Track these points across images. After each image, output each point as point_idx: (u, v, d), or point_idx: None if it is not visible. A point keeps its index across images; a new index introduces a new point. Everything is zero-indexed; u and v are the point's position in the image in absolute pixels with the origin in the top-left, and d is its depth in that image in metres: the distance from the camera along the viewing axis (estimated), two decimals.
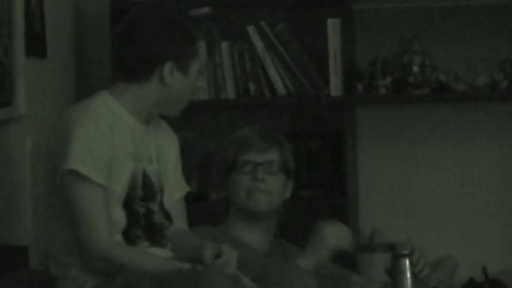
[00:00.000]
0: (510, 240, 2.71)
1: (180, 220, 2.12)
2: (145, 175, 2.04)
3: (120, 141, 2.02)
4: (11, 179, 2.52)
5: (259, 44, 2.66)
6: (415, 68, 2.58)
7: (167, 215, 2.07)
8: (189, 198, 2.14)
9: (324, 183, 2.68)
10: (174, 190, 2.14)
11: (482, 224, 2.76)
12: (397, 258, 2.18)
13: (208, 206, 2.70)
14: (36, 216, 2.51)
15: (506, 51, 2.65)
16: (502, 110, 2.73)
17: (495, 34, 2.70)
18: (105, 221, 2.00)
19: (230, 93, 2.75)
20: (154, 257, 2.04)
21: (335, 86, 2.57)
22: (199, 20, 2.27)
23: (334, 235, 2.18)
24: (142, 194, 2.04)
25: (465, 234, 2.73)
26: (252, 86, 2.71)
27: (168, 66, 1.97)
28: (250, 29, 2.76)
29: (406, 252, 2.13)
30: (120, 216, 1.98)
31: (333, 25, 2.57)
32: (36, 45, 2.67)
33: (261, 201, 2.20)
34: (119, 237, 1.99)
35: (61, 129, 2.00)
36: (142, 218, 2.06)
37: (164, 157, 2.13)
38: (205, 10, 2.54)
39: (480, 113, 2.74)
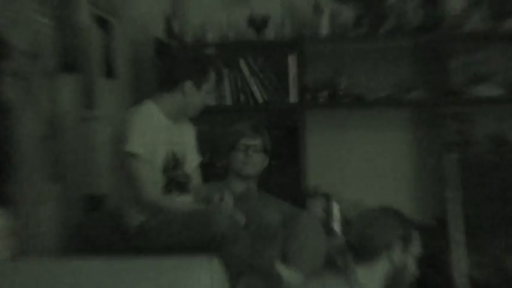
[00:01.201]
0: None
1: (196, 179, 2.64)
2: (173, 153, 2.53)
3: (159, 133, 2.48)
4: (93, 154, 3.15)
5: (246, 71, 3.27)
6: (343, 85, 3.24)
7: (188, 176, 2.58)
8: (203, 166, 2.68)
9: (286, 158, 3.28)
10: (192, 161, 2.62)
11: (393, 186, 3.46)
12: (329, 200, 3.08)
13: (215, 170, 3.11)
14: (112, 176, 2.84)
15: (399, 76, 3.34)
16: (399, 114, 3.43)
17: (393, 63, 3.35)
18: (151, 182, 2.47)
19: (228, 101, 3.28)
20: (182, 202, 2.53)
21: (293, 96, 3.19)
22: (210, 56, 2.86)
23: None
24: (172, 164, 2.54)
25: (379, 192, 3.39)
26: (242, 97, 3.29)
27: (188, 84, 2.45)
28: (241, 62, 3.31)
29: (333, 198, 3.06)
30: (160, 178, 2.46)
31: (292, 59, 3.18)
32: (108, 70, 3.26)
33: (249, 169, 2.82)
34: (159, 191, 2.47)
35: (123, 124, 2.46)
36: (173, 178, 2.56)
37: (185, 141, 2.62)
38: (212, 50, 3.04)
39: (385, 115, 3.44)
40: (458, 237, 2.95)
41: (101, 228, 2.90)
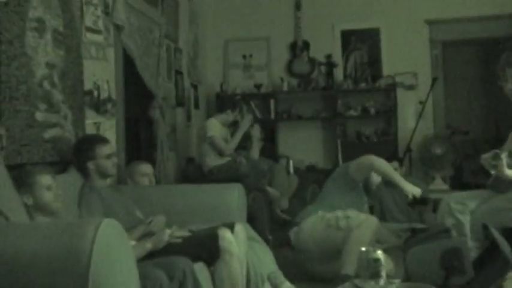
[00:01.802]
0: None
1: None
2: (226, 141, 5.23)
3: (220, 132, 5.14)
4: (190, 140, 6.01)
5: (253, 106, 6.72)
6: (293, 111, 6.93)
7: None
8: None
9: (269, 141, 6.51)
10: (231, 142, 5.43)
11: (316, 152, 6.98)
12: (288, 159, 6.56)
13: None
14: (197, 149, 5.63)
15: (316, 107, 6.85)
16: (315, 123, 6.91)
17: (313, 101, 6.85)
18: (225, 144, 5.06)
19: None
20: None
21: (272, 115, 6.79)
22: (238, 100, 5.70)
23: None
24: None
25: (311, 155, 7.00)
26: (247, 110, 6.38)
27: (228, 111, 5.27)
28: (251, 102, 6.71)
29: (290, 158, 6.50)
30: None
31: (271, 102, 6.71)
32: (196, 105, 6.47)
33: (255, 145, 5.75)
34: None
35: (204, 126, 5.29)
36: None
37: (227, 133, 5.25)
38: (239, 97, 6.07)
39: (310, 124, 6.94)
40: None
41: (192, 172, 5.41)
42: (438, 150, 6.30)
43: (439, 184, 6.29)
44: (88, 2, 3.76)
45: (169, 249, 2.74)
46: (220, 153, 5.06)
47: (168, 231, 2.83)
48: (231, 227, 2.99)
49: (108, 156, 3.20)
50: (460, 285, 2.62)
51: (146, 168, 3.92)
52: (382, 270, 2.21)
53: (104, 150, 3.19)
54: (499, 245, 2.56)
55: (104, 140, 3.31)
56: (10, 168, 2.63)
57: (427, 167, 6.47)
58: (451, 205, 3.30)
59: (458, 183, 6.40)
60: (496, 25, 6.60)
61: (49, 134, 3.21)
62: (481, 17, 6.55)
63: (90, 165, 3.15)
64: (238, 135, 5.23)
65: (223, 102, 6.13)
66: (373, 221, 3.64)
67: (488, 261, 2.63)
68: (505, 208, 3.17)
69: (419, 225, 4.88)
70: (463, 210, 3.23)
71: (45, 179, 2.58)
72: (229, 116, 5.30)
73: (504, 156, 3.07)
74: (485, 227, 2.81)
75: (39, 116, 3.13)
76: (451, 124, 6.96)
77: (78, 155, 3.21)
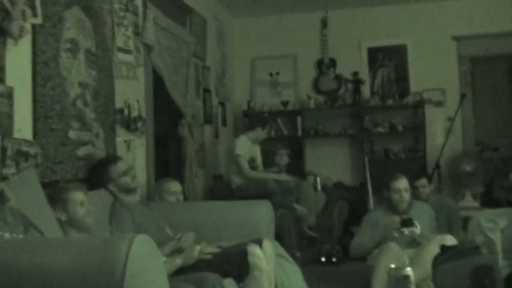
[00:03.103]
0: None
1: (260, 166, 5.44)
2: (251, 156, 5.28)
3: (249, 149, 5.20)
4: (218, 157, 6.11)
5: (280, 123, 6.78)
6: (320, 128, 6.94)
7: (257, 165, 5.34)
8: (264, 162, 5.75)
9: (296, 158, 6.58)
10: (259, 159, 5.42)
11: (343, 170, 6.96)
12: (315, 176, 6.54)
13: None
14: (225, 166, 5.64)
15: (343, 124, 6.93)
16: (342, 140, 6.90)
17: (341, 118, 6.87)
18: (247, 166, 5.05)
19: (273, 134, 6.66)
20: (257, 173, 5.16)
21: (299, 132, 6.80)
22: (266, 117, 5.97)
23: None
24: (251, 160, 5.24)
25: (339, 173, 6.97)
26: (277, 133, 6.81)
27: (258, 129, 5.29)
28: (278, 119, 6.79)
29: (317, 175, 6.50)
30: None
31: (298, 118, 6.69)
32: (223, 122, 6.50)
33: (283, 162, 5.68)
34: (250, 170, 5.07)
35: (233, 144, 5.26)
36: (252, 167, 5.11)
37: (256, 151, 5.38)
38: (267, 115, 6.36)
39: (337, 141, 6.96)
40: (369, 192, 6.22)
41: (220, 188, 5.38)
42: (468, 167, 6.23)
43: (469, 201, 6.21)
44: (119, 23, 3.88)
45: (199, 265, 2.77)
46: (241, 173, 5.10)
47: (197, 247, 2.86)
48: (259, 243, 3.01)
49: (125, 173, 3.25)
50: None
51: (175, 186, 3.94)
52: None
53: (117, 169, 3.26)
54: None
55: (114, 159, 3.36)
56: (44, 185, 2.72)
57: (457, 184, 6.40)
58: (482, 223, 3.26)
59: (488, 200, 6.28)
60: None
61: (82, 151, 3.30)
62: (510, 32, 6.49)
63: (111, 187, 3.22)
64: (268, 175, 5.22)
65: (250, 119, 6.17)
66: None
67: None
68: None
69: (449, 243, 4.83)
70: (493, 228, 3.20)
71: (77, 195, 2.65)
72: (259, 133, 5.34)
73: None
74: None
75: (72, 134, 3.22)
76: (480, 140, 6.84)
77: (95, 181, 3.26)
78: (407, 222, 3.80)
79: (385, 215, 4.03)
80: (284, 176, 5.36)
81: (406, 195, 4.03)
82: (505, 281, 2.62)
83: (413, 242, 3.72)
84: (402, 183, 4.02)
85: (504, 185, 6.07)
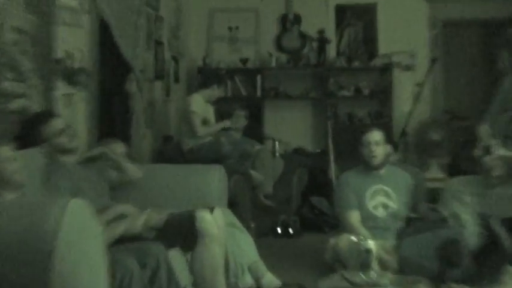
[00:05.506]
0: None
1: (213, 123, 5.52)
2: (204, 116, 5.13)
3: (202, 108, 4.99)
4: (168, 116, 5.88)
5: (237, 82, 6.65)
6: (281, 89, 6.86)
7: (211, 124, 5.41)
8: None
9: (255, 121, 6.39)
10: (212, 119, 5.32)
11: (303, 134, 6.93)
12: (273, 141, 6.50)
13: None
14: (176, 126, 5.56)
15: (305, 85, 6.84)
16: (305, 103, 6.87)
17: (303, 79, 6.78)
18: (200, 125, 4.87)
19: (229, 94, 6.57)
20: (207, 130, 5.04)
21: (258, 93, 6.68)
22: (222, 74, 5.90)
23: None
24: (204, 119, 5.03)
25: (298, 137, 6.93)
26: (234, 92, 6.71)
27: (213, 86, 5.13)
28: (235, 77, 6.64)
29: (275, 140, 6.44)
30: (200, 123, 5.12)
31: (258, 77, 6.60)
32: (176, 79, 6.33)
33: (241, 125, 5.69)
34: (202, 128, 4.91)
35: (186, 101, 5.08)
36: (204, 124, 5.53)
37: (210, 111, 5.15)
38: (223, 72, 6.16)
39: (298, 103, 6.90)
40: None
41: (170, 151, 5.22)
42: (435, 136, 6.22)
43: (435, 172, 6.23)
44: None
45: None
46: (192, 132, 4.97)
47: (143, 217, 2.76)
48: (210, 210, 2.92)
49: (60, 133, 3.03)
50: (456, 279, 2.62)
51: (117, 147, 3.71)
52: (374, 262, 2.19)
53: (51, 128, 3.02)
54: (499, 237, 2.55)
55: (46, 118, 3.09)
56: None
57: (423, 153, 6.39)
58: (450, 195, 3.27)
59: (455, 172, 6.21)
60: (499, 6, 6.55)
61: (14, 104, 3.11)
62: None
63: (46, 147, 2.97)
64: (217, 127, 5.16)
65: (206, 77, 5.91)
66: None
67: (487, 254, 2.62)
68: (506, 198, 3.18)
69: (414, 215, 4.79)
70: (462, 200, 3.23)
71: (3, 151, 2.49)
72: (215, 91, 5.20)
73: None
74: (484, 218, 2.80)
75: (5, 84, 3.03)
76: (450, 109, 6.90)
77: (28, 140, 2.98)
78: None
79: (358, 176, 3.92)
80: (240, 120, 5.34)
81: (378, 150, 3.88)
82: (474, 254, 2.64)
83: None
84: (373, 136, 3.89)
85: (472, 156, 6.15)
